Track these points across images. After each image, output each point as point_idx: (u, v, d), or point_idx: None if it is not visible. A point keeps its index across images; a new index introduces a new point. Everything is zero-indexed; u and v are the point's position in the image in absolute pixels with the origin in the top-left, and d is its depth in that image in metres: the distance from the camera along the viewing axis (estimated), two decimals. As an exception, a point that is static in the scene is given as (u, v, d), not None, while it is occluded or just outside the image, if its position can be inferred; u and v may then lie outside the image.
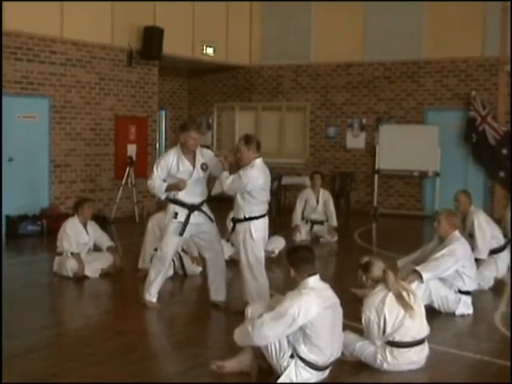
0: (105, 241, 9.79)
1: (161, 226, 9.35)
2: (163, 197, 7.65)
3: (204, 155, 7.68)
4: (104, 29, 14.50)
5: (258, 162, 7.23)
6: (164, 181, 7.56)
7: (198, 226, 7.65)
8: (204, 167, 7.60)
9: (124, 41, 14.88)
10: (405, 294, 5.82)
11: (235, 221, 7.43)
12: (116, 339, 6.72)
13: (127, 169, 14.80)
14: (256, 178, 7.14)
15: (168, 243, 7.65)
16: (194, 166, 7.56)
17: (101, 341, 6.70)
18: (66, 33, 13.71)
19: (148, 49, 15.01)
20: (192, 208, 7.55)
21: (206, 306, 7.96)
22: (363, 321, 5.92)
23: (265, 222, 7.36)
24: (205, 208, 7.71)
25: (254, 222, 7.23)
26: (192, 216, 7.55)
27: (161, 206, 9.49)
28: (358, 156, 17.33)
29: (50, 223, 12.80)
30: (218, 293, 7.86)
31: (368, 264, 6.01)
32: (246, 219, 7.25)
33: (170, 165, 7.51)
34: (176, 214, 7.52)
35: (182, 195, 7.51)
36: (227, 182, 7.21)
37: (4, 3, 12.24)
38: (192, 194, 7.56)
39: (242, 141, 7.25)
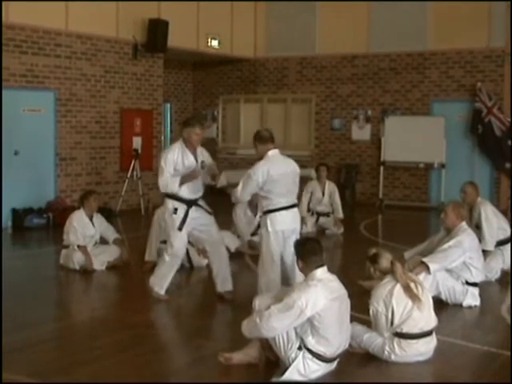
0: (111, 233, 9.80)
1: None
2: (177, 191, 7.56)
3: (203, 154, 7.78)
4: (109, 21, 14.48)
5: (270, 153, 7.15)
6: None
7: (195, 220, 7.67)
8: (203, 165, 7.68)
9: (129, 33, 14.86)
10: (412, 285, 5.82)
11: (260, 215, 7.48)
12: (123, 332, 6.72)
13: (132, 161, 14.81)
14: (263, 169, 7.03)
15: (176, 239, 7.63)
16: (196, 162, 7.62)
17: (108, 333, 6.71)
18: (71, 26, 13.70)
19: (153, 41, 14.99)
20: (190, 203, 7.58)
21: (212, 299, 7.96)
22: (371, 312, 5.91)
23: (287, 214, 7.14)
24: (201, 203, 7.76)
25: (271, 215, 7.10)
26: (190, 211, 7.58)
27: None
28: (364, 148, 17.31)
29: (55, 216, 12.84)
30: (224, 283, 7.85)
31: (376, 255, 6.00)
32: (264, 213, 7.20)
33: (176, 159, 7.53)
34: (176, 209, 7.54)
35: (182, 191, 7.53)
36: (238, 189, 7.15)
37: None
38: (192, 190, 7.60)
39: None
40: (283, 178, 7.11)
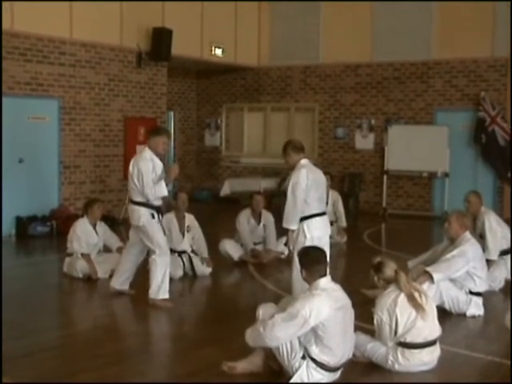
0: (114, 241, 9.81)
1: (169, 227, 9.41)
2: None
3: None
4: (113, 30, 14.52)
5: (302, 162, 7.37)
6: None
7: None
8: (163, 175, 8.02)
9: (133, 42, 14.90)
10: (416, 294, 5.81)
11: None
12: (126, 340, 6.74)
13: (136, 170, 14.78)
14: (303, 174, 7.20)
15: (160, 240, 7.95)
16: (164, 165, 8.07)
17: (111, 342, 6.71)
18: (75, 34, 13.73)
19: (157, 50, 15.02)
20: (158, 209, 7.99)
21: (216, 307, 7.97)
22: (375, 321, 5.91)
23: (320, 221, 7.31)
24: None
25: (308, 221, 7.21)
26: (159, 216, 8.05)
27: (169, 207, 9.52)
28: (367, 157, 17.31)
29: (59, 224, 12.84)
30: (122, 283, 8.37)
31: (380, 264, 6.00)
32: (300, 220, 7.24)
33: (151, 166, 7.88)
34: (152, 214, 7.90)
35: (154, 200, 7.89)
36: (290, 206, 7.22)
37: (14, 4, 12.27)
38: (158, 198, 7.96)
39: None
40: (317, 185, 7.31)
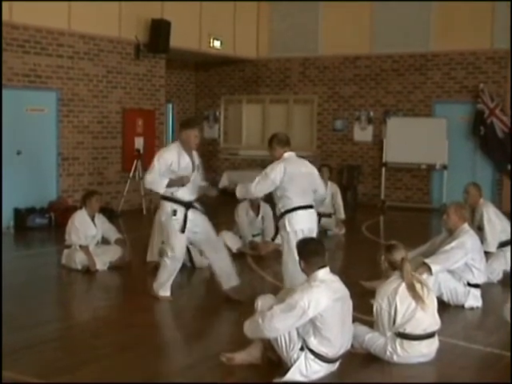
0: (113, 233, 9.80)
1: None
2: (162, 191, 7.59)
3: (197, 157, 7.82)
4: (111, 22, 14.49)
5: (286, 155, 7.37)
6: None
7: (192, 222, 7.65)
8: (198, 167, 7.73)
9: (131, 34, 14.87)
10: (418, 286, 5.82)
11: (277, 220, 7.57)
12: (125, 332, 6.73)
13: (135, 162, 14.80)
14: (280, 167, 7.22)
15: (176, 242, 7.63)
16: (193, 164, 7.62)
17: (110, 333, 6.71)
18: (74, 26, 13.70)
19: (155, 42, 14.99)
20: (188, 205, 7.58)
21: (214, 299, 7.97)
22: (374, 309, 5.92)
23: (303, 214, 7.27)
24: (196, 204, 7.78)
25: (289, 215, 7.21)
26: (189, 213, 7.58)
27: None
28: (366, 149, 17.31)
29: (57, 216, 12.84)
30: (229, 279, 7.83)
31: (392, 246, 6.06)
32: (281, 214, 7.29)
33: (171, 160, 7.50)
34: (175, 211, 7.52)
35: (180, 193, 7.53)
36: (252, 184, 7.26)
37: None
38: (189, 192, 7.61)
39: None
40: (299, 178, 7.27)
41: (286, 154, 7.37)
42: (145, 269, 9.34)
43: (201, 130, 7.82)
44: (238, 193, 7.53)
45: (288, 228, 7.20)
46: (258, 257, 10.11)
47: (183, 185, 7.48)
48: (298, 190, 7.26)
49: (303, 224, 7.24)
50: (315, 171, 7.63)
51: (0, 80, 12.33)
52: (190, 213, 7.60)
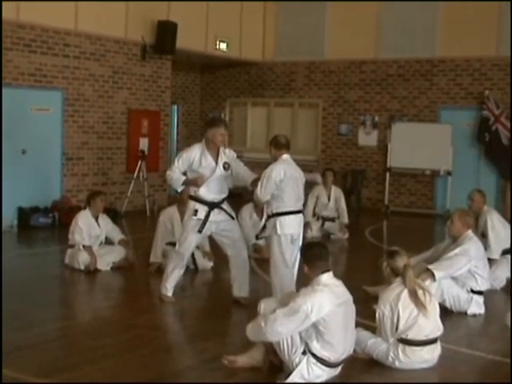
0: (116, 234, 9.81)
1: (172, 221, 9.42)
2: (180, 189, 7.73)
3: (227, 155, 7.69)
4: (118, 22, 14.51)
5: (284, 156, 7.41)
6: (184, 174, 7.56)
7: (218, 224, 7.62)
8: (226, 166, 7.60)
9: (138, 35, 14.88)
10: (420, 292, 5.81)
11: (266, 218, 7.49)
12: (127, 332, 6.73)
13: (139, 162, 14.81)
14: (280, 168, 7.27)
15: (187, 240, 7.65)
16: (216, 163, 7.55)
17: (112, 334, 6.71)
18: (80, 26, 13.72)
19: (161, 43, 15.00)
20: (212, 205, 7.53)
21: (217, 301, 7.98)
22: (377, 315, 5.91)
23: (294, 219, 7.34)
24: (225, 206, 7.68)
25: (281, 218, 7.26)
26: (212, 213, 7.52)
27: (172, 200, 9.50)
28: (370, 154, 17.30)
29: (61, 216, 12.86)
30: (240, 289, 7.82)
31: (395, 252, 6.06)
32: (273, 215, 7.31)
33: (192, 159, 7.50)
34: (196, 211, 7.49)
35: (202, 192, 7.50)
36: (257, 190, 7.27)
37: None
38: (213, 192, 7.55)
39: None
40: (294, 182, 7.36)
41: (285, 156, 7.42)
42: (148, 270, 9.34)
43: (226, 129, 7.76)
44: (255, 199, 7.62)
45: (279, 231, 7.25)
46: (261, 260, 10.10)
47: (198, 186, 7.47)
48: (292, 194, 7.34)
49: (293, 229, 7.32)
50: (304, 179, 7.66)
51: (0, 78, 12.33)
52: (215, 214, 7.56)
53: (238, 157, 7.96)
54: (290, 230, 7.28)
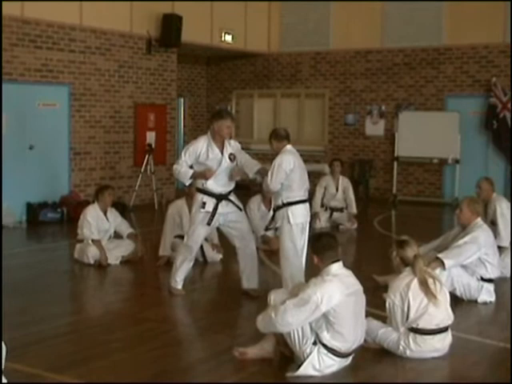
0: (125, 228, 9.81)
1: (180, 214, 9.42)
2: (188, 183, 7.72)
3: (232, 146, 7.68)
4: (123, 16, 14.50)
5: (289, 147, 7.43)
6: (191, 167, 7.55)
7: (226, 216, 7.63)
8: (232, 157, 7.58)
9: (143, 28, 14.87)
10: (430, 281, 5.80)
11: (275, 208, 7.51)
12: (137, 326, 6.74)
13: (146, 156, 14.82)
14: (289, 158, 7.29)
15: (196, 232, 7.66)
16: (222, 155, 7.55)
17: (122, 328, 6.73)
18: (85, 21, 13.72)
19: (167, 36, 14.99)
20: (220, 197, 7.54)
21: (226, 293, 7.98)
22: (387, 305, 5.90)
23: (305, 208, 7.41)
24: (232, 197, 7.68)
25: (292, 207, 7.29)
26: (220, 206, 7.53)
27: (180, 193, 9.50)
28: (377, 143, 17.25)
29: (69, 210, 12.89)
30: (249, 280, 7.82)
31: (404, 242, 6.03)
32: (283, 205, 7.32)
33: (199, 152, 7.50)
34: (204, 203, 7.50)
35: (210, 185, 7.50)
36: (268, 180, 7.26)
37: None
38: (220, 184, 7.55)
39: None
40: (301, 171, 7.40)
41: (288, 147, 7.44)
42: (157, 263, 9.35)
43: (233, 121, 7.76)
44: (264, 189, 7.70)
45: (292, 221, 7.28)
46: (270, 251, 10.10)
47: (206, 178, 7.47)
48: (301, 183, 7.39)
49: (303, 218, 7.39)
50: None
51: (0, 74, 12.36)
52: (223, 206, 7.56)
53: (245, 149, 7.95)
54: (301, 219, 7.34)
